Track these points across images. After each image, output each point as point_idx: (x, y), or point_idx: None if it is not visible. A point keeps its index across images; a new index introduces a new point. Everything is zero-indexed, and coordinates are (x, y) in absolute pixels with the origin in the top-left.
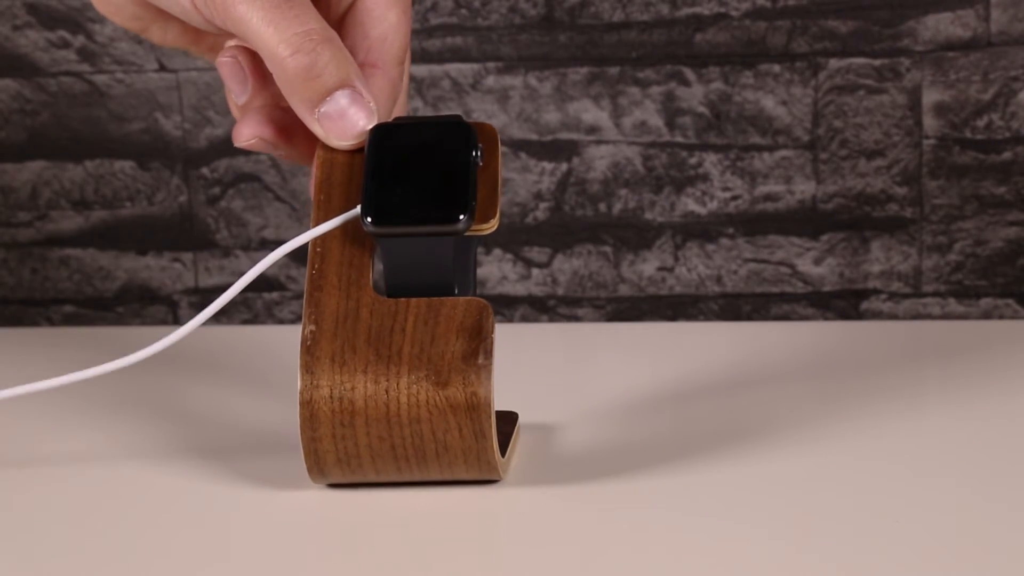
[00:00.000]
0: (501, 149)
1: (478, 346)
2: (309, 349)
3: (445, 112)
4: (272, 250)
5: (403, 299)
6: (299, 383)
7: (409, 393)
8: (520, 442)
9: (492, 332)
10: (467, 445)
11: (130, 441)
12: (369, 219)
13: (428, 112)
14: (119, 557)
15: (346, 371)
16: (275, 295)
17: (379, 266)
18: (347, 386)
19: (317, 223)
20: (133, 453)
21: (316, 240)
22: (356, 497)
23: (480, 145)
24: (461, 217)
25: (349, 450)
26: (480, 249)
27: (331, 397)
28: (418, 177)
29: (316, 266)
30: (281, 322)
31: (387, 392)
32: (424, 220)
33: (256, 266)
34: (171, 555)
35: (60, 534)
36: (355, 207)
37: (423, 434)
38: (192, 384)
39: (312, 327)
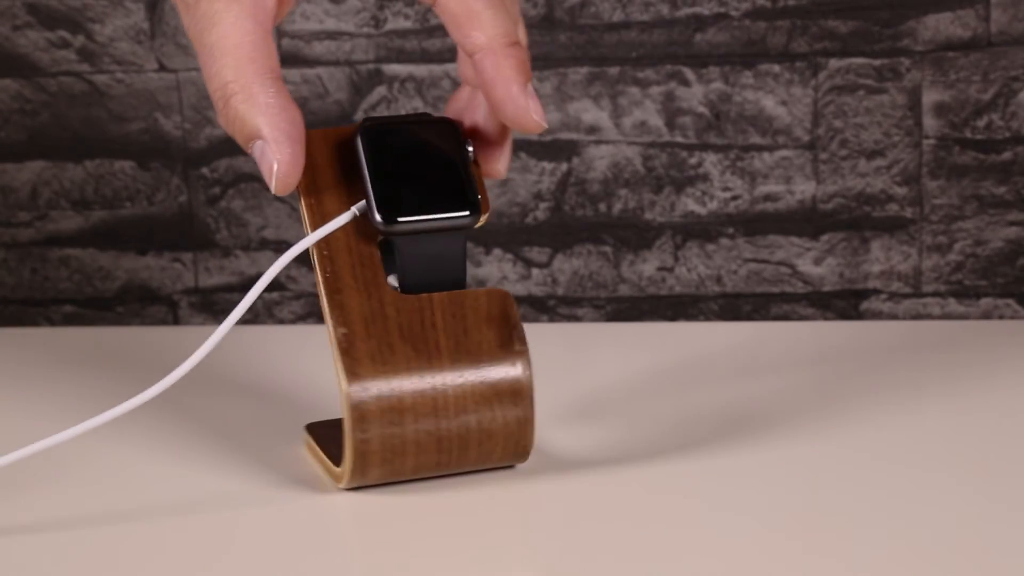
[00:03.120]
0: None
1: (511, 334)
2: (347, 351)
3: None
4: (274, 254)
5: (425, 295)
6: (345, 386)
7: (455, 386)
8: None
9: (519, 319)
10: (509, 431)
11: (121, 440)
12: (384, 218)
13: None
14: (111, 560)
15: (389, 369)
16: (275, 295)
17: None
18: (393, 384)
19: (315, 227)
20: (124, 451)
21: (320, 243)
22: (348, 495)
23: (469, 139)
24: (474, 210)
25: (396, 448)
26: (480, 249)
27: (379, 396)
28: (423, 174)
29: (328, 269)
30: (281, 322)
31: (434, 387)
32: (440, 215)
33: (266, 274)
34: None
35: (57, 532)
36: (348, 209)
37: (469, 425)
38: (191, 382)
39: (343, 329)
